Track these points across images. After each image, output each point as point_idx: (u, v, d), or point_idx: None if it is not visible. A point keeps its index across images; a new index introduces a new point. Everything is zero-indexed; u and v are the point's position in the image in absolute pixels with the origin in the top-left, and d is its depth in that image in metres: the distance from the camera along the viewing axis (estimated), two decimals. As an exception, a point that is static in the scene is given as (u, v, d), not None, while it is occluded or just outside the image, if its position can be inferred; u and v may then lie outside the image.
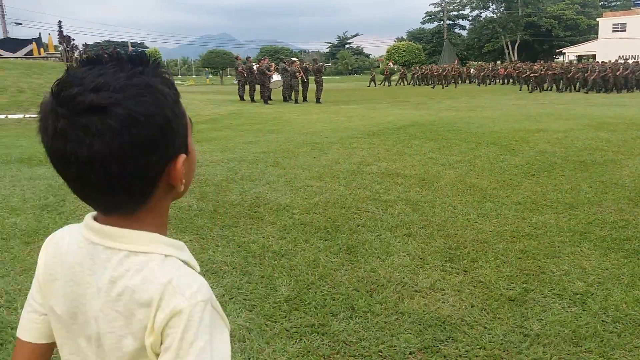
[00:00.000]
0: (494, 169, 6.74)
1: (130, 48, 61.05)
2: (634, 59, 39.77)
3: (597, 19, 61.10)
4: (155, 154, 0.72)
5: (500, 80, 37.79)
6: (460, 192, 5.58)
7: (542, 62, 32.55)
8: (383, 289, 3.11)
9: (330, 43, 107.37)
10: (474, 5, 69.44)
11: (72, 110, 0.67)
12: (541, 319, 2.74)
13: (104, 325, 0.76)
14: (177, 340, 0.70)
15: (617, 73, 24.92)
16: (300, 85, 21.31)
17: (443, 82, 35.46)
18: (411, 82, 41.13)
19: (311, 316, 2.77)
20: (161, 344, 0.72)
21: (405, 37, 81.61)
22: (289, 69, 20.83)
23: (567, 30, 64.95)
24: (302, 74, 21.16)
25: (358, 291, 3.09)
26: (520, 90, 28.37)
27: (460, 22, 76.72)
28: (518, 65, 35.35)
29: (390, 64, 46.28)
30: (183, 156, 0.75)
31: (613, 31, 57.66)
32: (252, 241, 3.97)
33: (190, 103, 20.16)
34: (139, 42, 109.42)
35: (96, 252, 0.76)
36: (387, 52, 64.91)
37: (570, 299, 2.99)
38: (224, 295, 3.04)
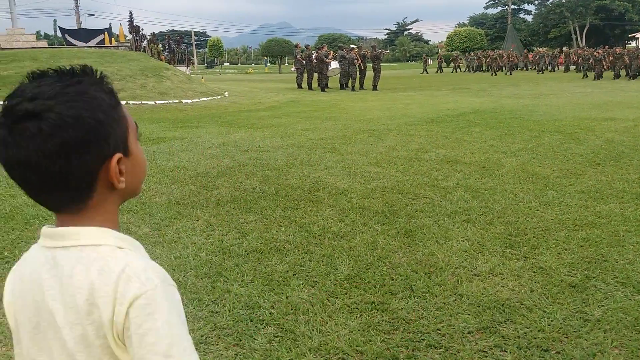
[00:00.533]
0: (557, 158, 6.57)
1: (194, 37, 62.76)
2: None
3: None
4: (87, 154, 0.78)
5: (563, 68, 36.06)
6: (521, 180, 5.50)
7: (606, 47, 30.72)
8: (441, 272, 3.17)
9: (388, 29, 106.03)
10: (541, -12, 66.47)
11: (11, 119, 0.75)
12: (602, 306, 2.73)
13: (66, 321, 0.80)
14: (139, 326, 0.76)
15: None
16: (357, 73, 21.28)
17: (495, 68, 33.93)
18: (466, 70, 39.98)
19: (371, 294, 2.88)
20: (124, 330, 0.77)
21: (467, 22, 79.34)
22: (347, 56, 20.83)
23: (641, 14, 61.05)
24: (360, 61, 21.12)
25: (416, 273, 3.16)
26: (585, 77, 26.98)
27: (526, 6, 73.75)
28: (580, 51, 33.48)
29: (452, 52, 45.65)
30: (118, 155, 0.81)
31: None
32: (313, 222, 4.11)
33: (251, 91, 20.61)
34: (201, 31, 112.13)
35: (53, 255, 0.82)
36: (448, 38, 63.41)
37: (634, 287, 2.94)
38: (287, 271, 3.20)
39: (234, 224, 4.12)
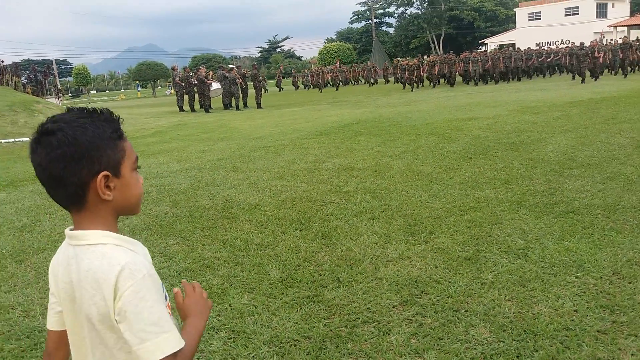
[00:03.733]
0: (435, 156, 7.42)
1: (55, 66, 58.58)
2: (549, 45, 42.57)
3: (514, 9, 64.97)
4: (80, 165, 1.04)
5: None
6: (409, 178, 6.18)
7: (419, 56, 31.59)
8: (360, 263, 3.61)
9: (261, 47, 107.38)
10: (398, 2, 71.74)
11: (39, 133, 1.05)
12: (493, 271, 3.33)
13: (82, 300, 1.07)
14: (136, 306, 1.02)
15: (499, 63, 25.01)
16: (240, 92, 21.57)
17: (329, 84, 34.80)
18: (305, 87, 39.75)
19: (305, 290, 3.23)
20: (121, 311, 1.03)
21: (335, 37, 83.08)
22: (227, 75, 21.04)
23: (488, 22, 68.61)
24: (241, 80, 21.44)
25: (340, 267, 3.57)
26: (404, 89, 26.29)
27: (387, 19, 79.07)
28: (395, 62, 33.00)
29: (281, 68, 45.27)
30: (104, 173, 1.07)
31: (529, 20, 61.43)
32: (235, 237, 4.36)
33: (130, 118, 19.94)
34: (61, 59, 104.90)
35: (74, 251, 1.10)
36: (320, 53, 65.95)
37: (514, 254, 3.61)
38: (223, 283, 3.44)
39: (156, 249, 4.24)
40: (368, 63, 41.90)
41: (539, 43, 52.30)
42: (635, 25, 45.39)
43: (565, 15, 57.83)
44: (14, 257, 4.27)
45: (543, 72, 28.09)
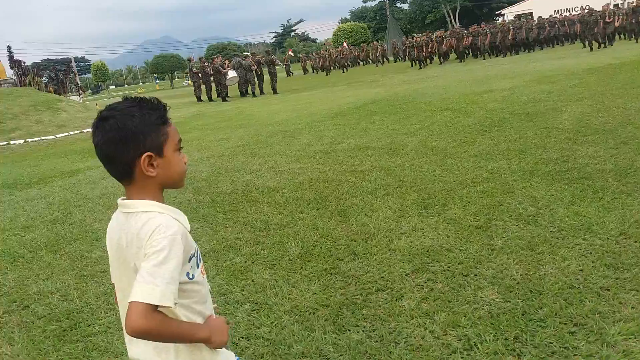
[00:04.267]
0: (450, 131, 7.48)
1: (74, 64, 59.55)
2: (569, 12, 41.44)
3: (530, -23, 63.38)
4: (128, 146, 1.24)
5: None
6: (424, 154, 6.28)
7: (427, 32, 30.59)
8: (375, 236, 3.77)
9: (275, 33, 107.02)
10: (412, -23, 70.58)
11: (98, 119, 1.27)
12: (503, 237, 3.45)
13: (130, 257, 1.26)
14: (149, 251, 1.19)
15: (509, 35, 24.24)
16: (255, 79, 21.72)
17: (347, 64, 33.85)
18: (314, 71, 38.24)
19: (322, 264, 3.40)
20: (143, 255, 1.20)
21: (349, 17, 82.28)
22: (243, 63, 21.19)
23: (504, -9, 66.99)
24: (256, 67, 21.56)
25: (355, 241, 3.73)
26: (412, 67, 25.99)
27: (401, -5, 77.82)
28: (403, 40, 32.97)
29: (290, 52, 42.85)
30: (147, 153, 1.25)
31: (547, -13, 59.86)
32: (255, 219, 4.56)
33: (150, 111, 20.26)
34: (79, 56, 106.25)
35: (123, 217, 1.30)
36: (334, 34, 65.45)
37: (525, 220, 3.71)
38: (245, 261, 3.63)
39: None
40: (374, 42, 41.04)
41: (558, 10, 50.96)
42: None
43: (586, -21, 56.14)
44: (49, 248, 4.55)
45: (557, 41, 27.07)
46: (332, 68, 35.17)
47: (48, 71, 29.58)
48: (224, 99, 20.71)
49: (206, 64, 22.01)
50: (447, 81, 15.61)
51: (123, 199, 1.31)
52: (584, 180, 4.46)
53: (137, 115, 1.25)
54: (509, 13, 58.65)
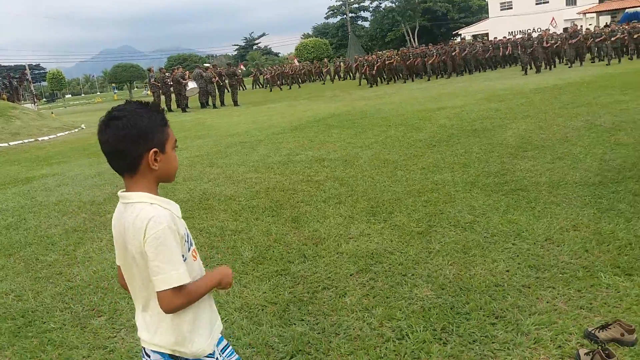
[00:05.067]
0: (402, 145, 7.83)
1: (28, 71, 57.62)
2: (522, 33, 43.17)
3: (486, 0, 66.03)
4: (136, 144, 1.39)
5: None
6: (376, 166, 6.58)
7: (378, 52, 30.76)
8: (325, 241, 3.99)
9: (237, 45, 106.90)
10: (373, -4, 72.26)
11: (107, 117, 1.42)
12: (441, 242, 3.74)
13: (129, 242, 1.43)
14: (156, 248, 1.36)
15: (454, 54, 24.58)
16: (216, 90, 21.78)
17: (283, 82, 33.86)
18: (264, 85, 37.26)
19: (273, 266, 3.59)
20: (146, 252, 1.38)
21: (311, 33, 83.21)
22: (204, 75, 21.23)
23: (461, 12, 69.41)
24: (217, 78, 21.64)
25: (306, 245, 3.94)
26: (360, 85, 26.28)
27: (362, 13, 79.41)
28: (356, 57, 32.49)
29: (241, 66, 41.51)
30: (154, 149, 1.42)
31: (501, 9, 62.44)
32: (211, 225, 4.71)
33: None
34: (34, 64, 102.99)
35: (122, 207, 1.46)
36: (296, 49, 66.07)
37: (462, 227, 4.02)
38: (199, 264, 3.78)
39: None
40: (324, 60, 41.17)
41: (512, 32, 53.22)
42: (603, 11, 46.53)
43: (536, 3, 58.89)
44: (3, 252, 4.56)
45: (503, 63, 27.32)
46: (282, 83, 35.10)
47: (1, 78, 28.69)
48: (184, 110, 20.67)
49: (166, 74, 21.94)
50: (403, 98, 16.13)
51: (122, 192, 1.48)
52: (520, 191, 4.82)
53: (146, 116, 1.43)
54: (466, 33, 60.82)
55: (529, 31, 27.34)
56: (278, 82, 34.06)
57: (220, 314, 2.89)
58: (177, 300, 1.39)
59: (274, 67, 37.68)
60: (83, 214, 5.64)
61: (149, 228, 1.38)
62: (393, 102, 15.26)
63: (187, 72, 22.77)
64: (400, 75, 26.14)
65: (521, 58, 21.69)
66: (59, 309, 3.26)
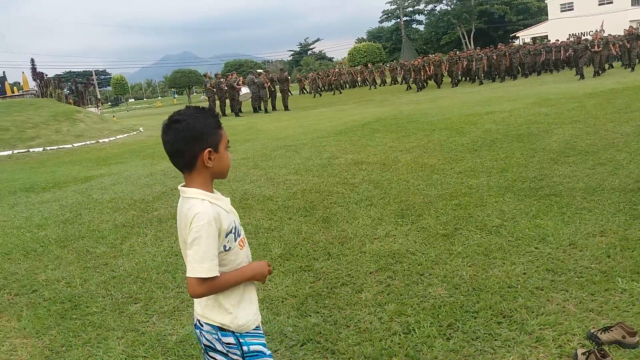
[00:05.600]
0: (443, 149, 7.84)
1: (94, 76, 61.13)
2: (584, 35, 41.53)
3: (546, 1, 63.96)
4: (195, 143, 1.59)
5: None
6: (413, 170, 6.64)
7: (423, 56, 30.15)
8: (351, 240, 4.13)
9: (292, 51, 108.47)
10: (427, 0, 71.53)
11: (169, 120, 1.63)
12: (464, 244, 3.80)
13: (181, 230, 1.66)
14: (190, 241, 1.57)
15: (504, 59, 23.66)
16: (268, 95, 22.31)
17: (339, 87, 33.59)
18: (311, 92, 36.18)
19: (299, 262, 3.78)
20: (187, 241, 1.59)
21: (365, 37, 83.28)
22: (256, 80, 21.80)
23: (519, 14, 67.46)
24: (269, 84, 22.17)
25: (332, 244, 4.10)
26: (408, 89, 25.72)
27: (417, 17, 78.71)
28: (402, 62, 31.99)
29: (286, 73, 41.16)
30: (208, 149, 1.60)
31: (561, 11, 60.24)
32: (247, 223, 4.95)
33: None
34: (100, 69, 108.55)
35: (181, 200, 1.66)
36: (349, 54, 66.34)
37: (488, 231, 4.05)
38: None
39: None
40: (369, 64, 40.82)
41: (573, 33, 51.27)
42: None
43: (599, 4, 56.40)
44: (59, 244, 4.98)
45: (555, 67, 26.00)
46: (327, 89, 35.02)
47: (69, 83, 30.58)
48: (237, 114, 21.29)
49: (221, 80, 22.68)
50: (453, 102, 15.98)
51: (182, 186, 1.69)
52: (553, 196, 4.78)
53: (202, 119, 1.62)
54: (524, 36, 59.05)
55: (580, 34, 25.85)
56: (320, 88, 34.22)
57: (243, 304, 3.12)
58: (200, 289, 1.58)
59: (315, 73, 37.58)
60: (133, 210, 6.04)
61: (193, 222, 1.58)
62: (441, 106, 15.15)
63: (241, 77, 23.45)
64: (450, 79, 25.79)
65: (574, 62, 20.93)
66: (102, 295, 3.58)
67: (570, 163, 6.03)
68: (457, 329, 2.62)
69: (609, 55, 21.92)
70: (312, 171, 7.26)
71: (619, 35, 24.73)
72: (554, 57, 25.79)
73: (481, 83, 23.81)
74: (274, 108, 22.50)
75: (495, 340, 2.49)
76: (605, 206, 4.35)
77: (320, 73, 38.79)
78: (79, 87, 26.45)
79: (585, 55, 20.07)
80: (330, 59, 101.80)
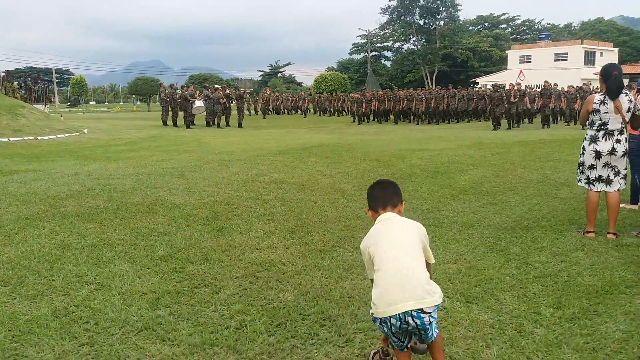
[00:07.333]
0: (362, 178, 8.22)
1: (55, 74, 59.75)
2: (538, 87, 43.61)
3: (507, 51, 67.28)
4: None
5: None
6: (326, 193, 6.97)
7: (363, 91, 31.50)
8: (234, 249, 4.37)
9: (262, 71, 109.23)
10: (396, 37, 73.86)
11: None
12: (333, 259, 4.10)
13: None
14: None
15: (443, 103, 24.18)
16: (223, 111, 22.52)
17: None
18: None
19: (174, 264, 3.98)
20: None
21: (335, 66, 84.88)
22: (211, 96, 22.00)
23: (482, 61, 70.60)
24: (224, 100, 22.41)
25: (215, 251, 4.33)
26: (357, 123, 26.16)
27: (386, 53, 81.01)
28: (350, 95, 33.09)
29: (267, 90, 41.00)
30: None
31: (520, 62, 63.50)
32: (144, 226, 5.12)
33: (114, 128, 20.87)
34: (64, 68, 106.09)
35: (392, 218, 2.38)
36: (315, 81, 67.41)
37: (357, 249, 4.36)
38: (114, 256, 4.18)
39: (75, 230, 4.98)
40: (302, 92, 42.19)
41: (529, 85, 53.96)
42: (625, 74, 47.04)
43: (555, 60, 59.85)
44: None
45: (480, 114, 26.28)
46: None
47: (20, 79, 29.99)
48: (188, 126, 21.37)
49: (176, 91, 22.78)
50: (396, 137, 16.58)
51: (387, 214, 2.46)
52: (433, 227, 5.16)
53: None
54: (483, 82, 61.70)
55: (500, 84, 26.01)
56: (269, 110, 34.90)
57: (104, 294, 3.29)
58: None
59: (261, 95, 38.02)
60: (41, 205, 6.09)
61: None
62: (383, 139, 15.72)
63: (198, 91, 23.60)
64: (390, 116, 26.26)
65: (490, 112, 20.99)
66: (-28, 277, 3.67)
67: (465, 200, 6.49)
68: (284, 327, 2.88)
69: (529, 108, 22.03)
70: (232, 185, 7.48)
71: (536, 90, 24.90)
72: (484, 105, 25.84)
73: (417, 123, 24.22)
74: (227, 124, 22.70)
75: (312, 339, 2.76)
76: (473, 239, 4.75)
77: (276, 95, 39.41)
78: (28, 83, 25.97)
79: (502, 105, 20.17)
80: (300, 84, 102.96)
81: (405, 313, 2.14)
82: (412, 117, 25.73)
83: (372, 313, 2.27)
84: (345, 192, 6.98)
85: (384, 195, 2.37)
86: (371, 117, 27.30)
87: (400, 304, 2.14)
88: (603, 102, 4.77)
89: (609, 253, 4.40)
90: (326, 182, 7.83)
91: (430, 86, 64.74)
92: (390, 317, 2.16)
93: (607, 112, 4.77)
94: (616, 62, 44.65)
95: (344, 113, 33.70)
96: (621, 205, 6.15)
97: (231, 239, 4.68)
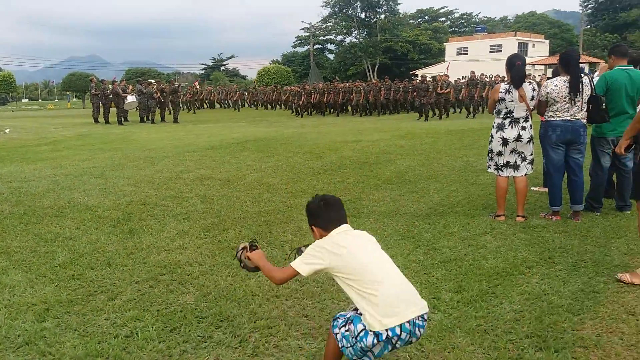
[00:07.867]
0: (292, 171, 8.16)
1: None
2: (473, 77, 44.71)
3: (444, 44, 69.08)
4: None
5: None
6: (251, 188, 6.86)
7: (303, 83, 31.62)
8: (140, 252, 4.20)
9: (205, 65, 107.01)
10: (338, 30, 74.22)
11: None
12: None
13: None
14: None
15: (380, 95, 24.35)
16: (157, 106, 21.83)
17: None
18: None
19: (73, 271, 3.77)
20: None
21: (280, 59, 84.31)
22: (144, 90, 21.29)
23: (421, 54, 72.21)
24: (159, 94, 21.73)
25: (119, 254, 4.14)
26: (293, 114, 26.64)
27: (329, 46, 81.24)
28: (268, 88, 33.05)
29: (196, 84, 38.92)
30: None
31: (457, 54, 65.40)
32: (48, 231, 4.83)
33: (41, 127, 19.85)
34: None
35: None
36: (258, 74, 66.73)
37: (274, 245, 4.31)
38: (9, 265, 3.91)
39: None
40: (234, 86, 41.49)
41: (465, 76, 55.60)
42: (552, 64, 49.16)
43: (490, 51, 61.92)
44: None
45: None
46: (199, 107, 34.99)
47: None
48: (121, 123, 20.60)
49: (108, 86, 21.89)
50: (334, 130, 16.61)
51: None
52: (352, 217, 5.17)
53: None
54: (424, 74, 62.99)
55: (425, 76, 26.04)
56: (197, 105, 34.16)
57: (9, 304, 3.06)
58: None
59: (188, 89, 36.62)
60: (-61, 213, 5.66)
61: None
62: (321, 132, 15.71)
63: (131, 86, 22.79)
64: (334, 108, 26.28)
65: (416, 103, 21.24)
66: None
67: (388, 189, 6.56)
68: (178, 332, 2.78)
69: (455, 99, 22.10)
70: (153, 184, 7.23)
71: (463, 81, 25.28)
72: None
73: (361, 115, 24.20)
74: (162, 119, 22.05)
75: (205, 342, 2.68)
76: (387, 227, 4.80)
77: (209, 89, 38.43)
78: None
79: (430, 96, 20.51)
80: (244, 77, 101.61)
81: (410, 322, 2.09)
82: (351, 109, 25.91)
83: (363, 333, 2.09)
84: (271, 186, 6.90)
85: (339, 217, 2.33)
86: (312, 110, 27.31)
87: (408, 311, 2.10)
88: (508, 91, 4.92)
89: (516, 235, 4.55)
90: (253, 176, 7.72)
91: (373, 78, 65.61)
92: (401, 325, 2.08)
93: (512, 101, 4.91)
94: (547, 54, 46.36)
95: (283, 106, 33.43)
96: (534, 189, 6.42)
97: (139, 241, 4.50)
